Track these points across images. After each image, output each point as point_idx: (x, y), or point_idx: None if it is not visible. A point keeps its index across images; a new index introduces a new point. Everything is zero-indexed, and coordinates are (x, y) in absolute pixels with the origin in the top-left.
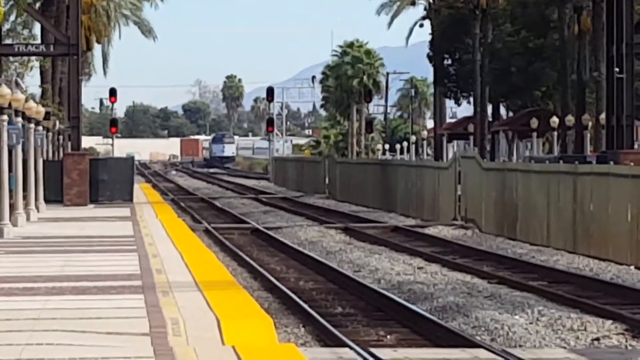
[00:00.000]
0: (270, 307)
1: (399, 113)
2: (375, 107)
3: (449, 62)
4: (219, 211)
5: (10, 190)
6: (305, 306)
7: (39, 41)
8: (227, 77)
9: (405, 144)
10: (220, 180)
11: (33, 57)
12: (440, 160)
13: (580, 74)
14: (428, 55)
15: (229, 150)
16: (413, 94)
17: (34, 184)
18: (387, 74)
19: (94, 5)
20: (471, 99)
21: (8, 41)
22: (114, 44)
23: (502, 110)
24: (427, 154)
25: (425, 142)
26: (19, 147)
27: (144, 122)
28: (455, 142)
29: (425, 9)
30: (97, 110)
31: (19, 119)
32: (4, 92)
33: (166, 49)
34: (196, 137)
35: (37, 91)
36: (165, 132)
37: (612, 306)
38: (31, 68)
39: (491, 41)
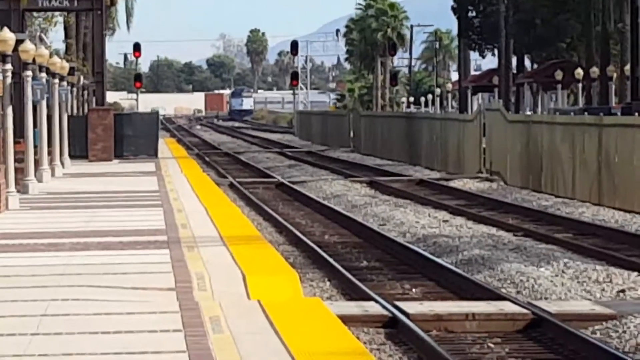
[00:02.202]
0: (296, 262)
1: (423, 66)
2: (399, 60)
3: (474, 14)
4: (244, 165)
5: (35, 146)
6: (331, 260)
7: None
8: (251, 31)
9: (429, 96)
10: (245, 134)
11: (57, 13)
12: (465, 112)
13: (604, 25)
14: (452, 8)
15: (246, 103)
16: (437, 46)
17: (58, 140)
18: (411, 26)
19: None
20: (496, 51)
21: None
22: None
23: (527, 63)
24: (452, 107)
25: (449, 95)
26: (44, 103)
27: (168, 76)
28: (479, 94)
29: None
30: (122, 65)
31: (43, 75)
32: (28, 47)
33: (190, 2)
34: (220, 91)
35: (61, 46)
36: (190, 86)
37: (637, 258)
38: (55, 23)
39: None
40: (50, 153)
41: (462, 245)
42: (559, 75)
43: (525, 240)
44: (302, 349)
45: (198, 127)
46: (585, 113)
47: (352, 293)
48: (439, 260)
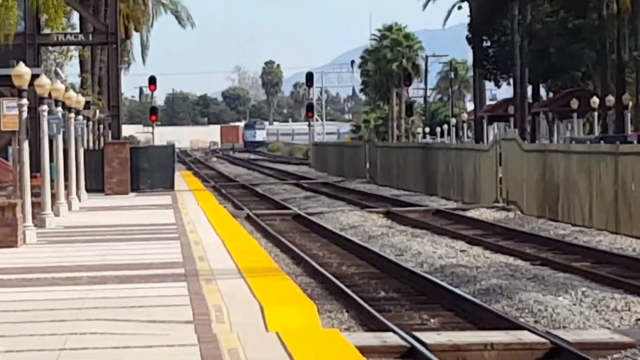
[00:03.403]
0: (313, 293)
1: (438, 96)
2: (414, 91)
3: (488, 43)
4: (261, 197)
5: (52, 180)
6: (349, 291)
7: (77, 30)
8: (266, 63)
9: (445, 127)
10: (261, 166)
11: (72, 47)
12: (481, 142)
13: (619, 54)
14: (467, 38)
15: (259, 135)
16: (452, 76)
17: (75, 174)
18: (426, 57)
19: None
20: (511, 81)
21: (47, 31)
22: (152, 32)
23: (542, 92)
24: (468, 137)
25: (465, 125)
26: (60, 137)
27: (183, 109)
28: (495, 124)
29: None
30: (137, 98)
31: (59, 109)
32: (44, 82)
33: (205, 36)
34: (236, 123)
35: (77, 80)
36: (205, 119)
37: None
38: (70, 57)
39: (530, 22)
40: (66, 187)
41: (479, 275)
42: (574, 104)
43: (543, 270)
44: None
45: (214, 159)
46: (602, 142)
47: (370, 324)
48: (456, 290)
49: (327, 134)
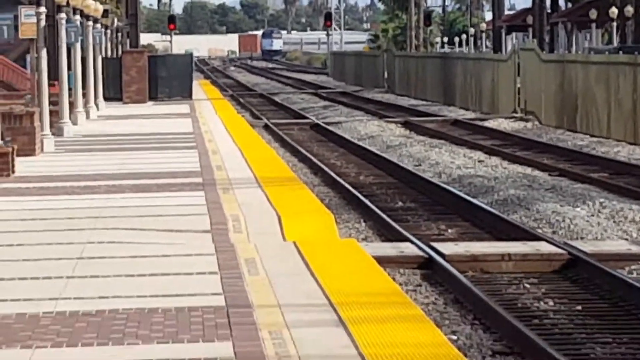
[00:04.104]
0: (331, 203)
1: (457, 5)
2: (433, 0)
3: None
4: (278, 106)
5: (70, 89)
6: (366, 201)
7: None
8: None
9: (463, 36)
10: (279, 75)
11: None
12: (499, 52)
13: None
14: None
15: (276, 44)
16: None
17: (93, 82)
18: None
19: None
20: None
21: None
22: None
23: (561, 2)
24: (486, 47)
25: (484, 35)
26: (78, 45)
27: (202, 18)
28: (514, 34)
29: None
30: (155, 7)
31: (77, 17)
32: None
33: None
34: (254, 32)
35: None
36: (224, 28)
37: None
38: None
39: None
40: (84, 95)
41: (497, 186)
42: (593, 14)
43: (561, 180)
44: (338, 290)
45: (232, 68)
46: (620, 52)
47: (387, 234)
48: (474, 200)
49: (347, 43)
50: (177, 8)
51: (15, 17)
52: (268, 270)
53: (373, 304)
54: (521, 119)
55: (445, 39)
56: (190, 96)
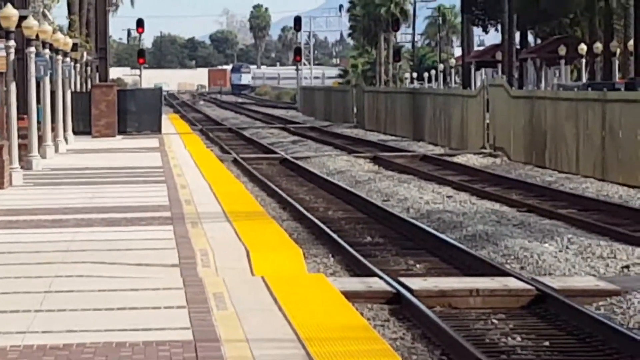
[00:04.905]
0: (299, 237)
1: (426, 41)
2: (402, 36)
3: None
4: (248, 141)
5: (39, 122)
6: (335, 236)
7: None
8: (254, 7)
9: (433, 72)
10: (249, 109)
11: None
12: (469, 88)
13: (607, 1)
14: None
15: (245, 79)
16: (440, 22)
17: (62, 116)
18: (414, 2)
19: None
20: (499, 27)
21: None
22: None
23: (530, 38)
24: (455, 83)
25: (453, 71)
26: (47, 79)
27: (171, 52)
28: (483, 70)
29: None
30: (125, 41)
31: (47, 51)
32: (31, 24)
33: None
34: (224, 67)
35: (65, 22)
36: (193, 62)
37: None
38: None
39: None
40: (53, 129)
41: (466, 221)
42: (562, 50)
43: (529, 216)
44: (306, 325)
45: (201, 102)
46: (589, 88)
47: (356, 269)
48: (442, 236)
49: (315, 78)
50: (147, 42)
51: None
52: (236, 304)
53: (341, 339)
54: (490, 155)
55: (415, 75)
56: (159, 130)
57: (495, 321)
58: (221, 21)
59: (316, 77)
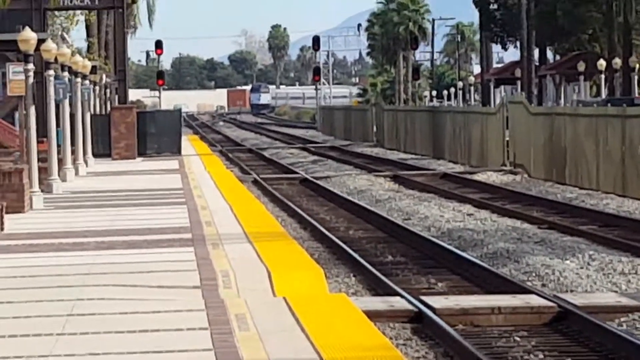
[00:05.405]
0: (321, 257)
1: (445, 59)
2: (421, 54)
3: (495, 6)
4: (267, 162)
5: (59, 145)
6: (356, 255)
7: None
8: (273, 27)
9: (452, 90)
10: (268, 130)
11: (78, 11)
12: (488, 105)
13: (626, 16)
14: (474, 0)
15: (264, 98)
16: (459, 39)
17: (81, 139)
18: (433, 20)
19: None
20: (517, 44)
21: None
22: None
23: (549, 54)
24: (475, 100)
25: (472, 88)
26: (66, 102)
27: (190, 73)
28: (502, 87)
29: None
30: (144, 62)
31: (66, 74)
32: (50, 47)
33: None
34: (243, 87)
35: (83, 45)
36: (212, 83)
37: None
38: (77, 22)
39: None
40: (73, 152)
41: (487, 239)
42: (581, 66)
43: (550, 233)
44: (328, 345)
45: (221, 123)
46: (609, 104)
47: (377, 288)
48: (464, 254)
49: (334, 97)
50: (166, 64)
51: (3, 74)
52: (258, 325)
53: (364, 358)
54: (510, 172)
55: (434, 93)
56: (179, 152)
57: (517, 339)
58: (240, 42)
59: (344, 96)
